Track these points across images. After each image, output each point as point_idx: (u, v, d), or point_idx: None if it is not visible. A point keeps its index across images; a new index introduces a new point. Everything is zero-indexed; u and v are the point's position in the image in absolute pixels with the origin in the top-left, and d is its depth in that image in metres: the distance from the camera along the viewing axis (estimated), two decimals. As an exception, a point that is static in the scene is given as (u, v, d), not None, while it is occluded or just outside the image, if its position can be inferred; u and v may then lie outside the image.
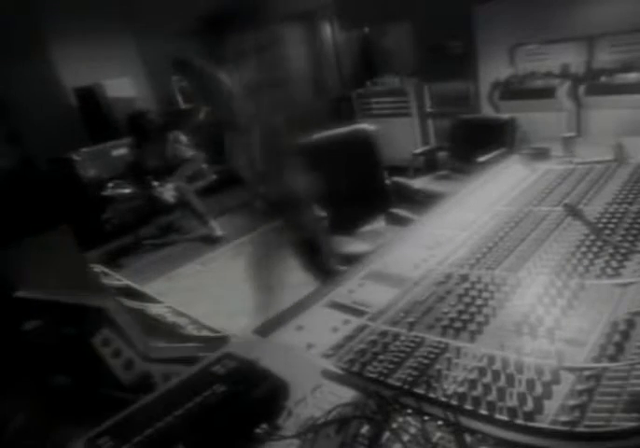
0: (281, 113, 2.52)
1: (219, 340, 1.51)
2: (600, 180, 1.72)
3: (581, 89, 4.37)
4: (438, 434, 0.76)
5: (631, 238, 1.25)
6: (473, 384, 0.84)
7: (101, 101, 5.39)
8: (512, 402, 0.79)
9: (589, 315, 0.98)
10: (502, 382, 0.84)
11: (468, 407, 0.80)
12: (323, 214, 2.62)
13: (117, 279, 2.04)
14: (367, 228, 2.97)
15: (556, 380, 0.82)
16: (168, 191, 4.70)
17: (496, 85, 4.92)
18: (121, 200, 4.80)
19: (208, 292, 3.85)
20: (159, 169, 4.79)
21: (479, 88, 5.18)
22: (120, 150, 5.18)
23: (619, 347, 0.86)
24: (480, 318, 1.04)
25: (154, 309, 1.75)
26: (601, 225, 1.36)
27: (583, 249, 1.25)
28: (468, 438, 0.75)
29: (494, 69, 4.96)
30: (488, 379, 0.85)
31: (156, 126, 4.80)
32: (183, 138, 4.93)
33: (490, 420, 0.77)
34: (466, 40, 5.14)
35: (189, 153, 4.95)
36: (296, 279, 3.59)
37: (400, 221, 2.84)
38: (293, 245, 3.17)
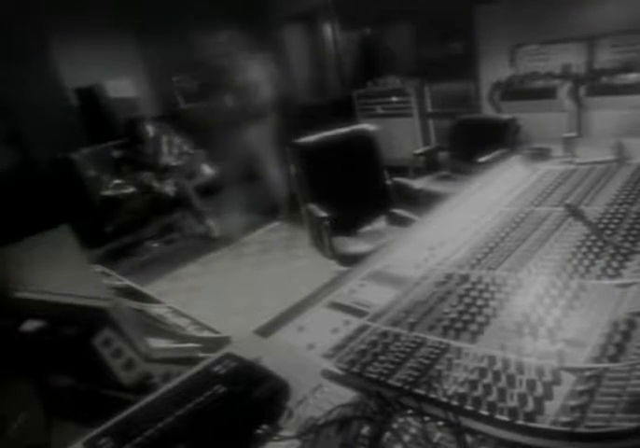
0: None
1: (220, 340, 1.51)
2: (601, 180, 1.72)
3: (582, 89, 4.37)
4: (439, 434, 0.76)
5: (631, 238, 1.25)
6: (474, 384, 0.84)
7: (101, 101, 5.39)
8: (513, 403, 0.79)
9: (589, 315, 0.98)
10: (503, 382, 0.84)
11: (469, 407, 0.80)
12: (324, 214, 2.63)
13: (117, 279, 2.05)
14: (367, 228, 2.98)
15: (557, 380, 0.82)
16: (168, 185, 4.78)
17: (497, 85, 4.92)
18: (122, 199, 4.81)
19: (209, 293, 3.86)
20: (155, 168, 4.86)
21: (479, 88, 5.18)
22: (121, 150, 5.20)
23: (620, 348, 0.86)
24: (480, 319, 1.04)
25: (155, 309, 1.75)
26: (602, 225, 1.36)
27: (584, 250, 1.25)
28: (469, 438, 0.75)
29: (495, 69, 4.96)
30: (489, 379, 0.85)
31: (150, 131, 4.90)
32: (177, 140, 5.00)
33: (490, 420, 0.77)
34: (466, 40, 5.14)
35: (189, 151, 5.01)
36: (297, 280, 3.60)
37: (401, 221, 2.85)
38: None
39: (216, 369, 0.97)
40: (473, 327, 1.02)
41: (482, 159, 3.22)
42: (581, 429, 0.72)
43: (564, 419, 0.74)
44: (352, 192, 2.88)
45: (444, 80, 5.47)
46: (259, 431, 0.83)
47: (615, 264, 1.15)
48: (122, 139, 5.10)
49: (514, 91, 4.79)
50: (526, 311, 1.03)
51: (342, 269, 2.49)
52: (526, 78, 4.75)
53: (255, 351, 1.05)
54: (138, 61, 5.91)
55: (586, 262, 1.18)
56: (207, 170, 5.22)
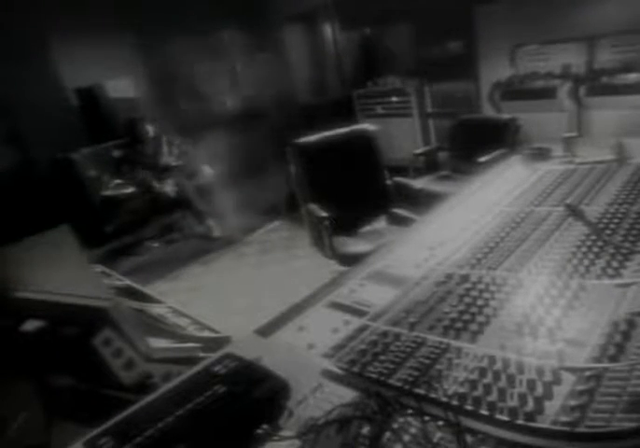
0: None
1: (220, 340, 1.51)
2: (601, 180, 1.72)
3: (582, 89, 4.37)
4: (439, 434, 0.76)
5: (631, 238, 1.25)
6: (474, 384, 0.84)
7: (101, 101, 5.39)
8: (513, 403, 0.79)
9: (589, 315, 0.98)
10: (503, 382, 0.84)
11: (469, 407, 0.80)
12: (324, 213, 2.62)
13: (118, 279, 2.05)
14: (368, 228, 2.98)
15: (557, 380, 0.82)
16: (169, 185, 4.78)
17: (497, 85, 4.92)
18: (122, 199, 4.81)
19: (209, 293, 3.86)
20: (155, 168, 4.86)
21: (480, 88, 5.17)
22: (121, 150, 5.21)
23: (620, 347, 0.86)
24: (480, 319, 1.04)
25: (155, 309, 1.75)
26: (602, 225, 1.36)
27: (584, 249, 1.25)
28: (469, 438, 0.75)
29: (495, 69, 4.96)
30: (489, 379, 0.85)
31: (150, 132, 4.91)
32: (177, 140, 5.01)
33: (490, 420, 0.77)
34: (466, 40, 5.14)
35: (189, 151, 5.01)
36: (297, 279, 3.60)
37: (401, 221, 2.85)
38: None
39: (217, 368, 0.97)
40: (473, 326, 1.02)
41: (482, 159, 3.22)
42: (581, 429, 0.72)
43: (564, 419, 0.74)
44: (352, 192, 2.88)
45: (444, 80, 5.47)
46: (259, 431, 0.83)
47: (615, 264, 1.15)
48: (122, 139, 5.10)
49: (514, 90, 4.79)
50: (526, 311, 1.03)
51: (342, 269, 2.49)
52: (526, 78, 4.75)
53: (255, 351, 1.05)
54: (138, 61, 5.91)
55: (586, 262, 1.18)
56: (207, 170, 5.22)
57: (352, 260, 2.11)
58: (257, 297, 3.51)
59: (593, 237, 1.30)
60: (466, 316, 1.06)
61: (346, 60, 6.73)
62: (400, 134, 5.67)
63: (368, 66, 6.25)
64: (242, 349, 1.06)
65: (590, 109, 4.41)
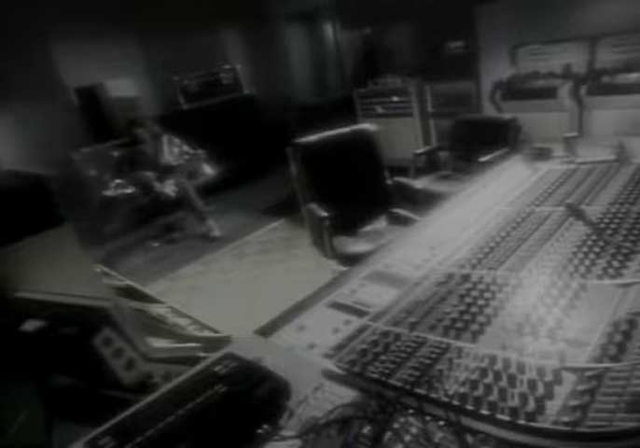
0: None
1: (221, 340, 1.51)
2: (602, 180, 1.72)
3: (583, 89, 4.37)
4: (440, 434, 0.76)
5: (632, 238, 1.25)
6: (475, 384, 0.84)
7: (102, 101, 5.39)
8: (514, 402, 0.79)
9: (590, 315, 0.98)
10: (504, 382, 0.84)
11: (470, 407, 0.80)
12: (325, 213, 2.62)
13: (118, 279, 2.05)
14: (368, 228, 2.97)
15: (558, 380, 0.82)
16: (169, 186, 4.78)
17: (498, 85, 4.91)
18: (123, 199, 4.82)
19: (209, 293, 3.85)
20: (155, 168, 4.86)
21: (480, 88, 5.17)
22: (121, 150, 5.22)
23: (621, 347, 0.86)
24: (481, 318, 1.04)
25: (155, 309, 1.75)
26: (603, 225, 1.36)
27: (585, 249, 1.24)
28: (470, 438, 0.75)
29: (496, 69, 4.95)
30: (489, 379, 0.85)
31: (151, 131, 4.92)
32: (177, 140, 5.02)
33: (491, 420, 0.77)
34: (467, 40, 5.14)
35: (189, 151, 5.02)
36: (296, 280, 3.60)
37: (402, 221, 2.84)
38: None
39: (217, 368, 0.97)
40: (474, 326, 1.02)
41: (483, 158, 3.21)
42: (582, 429, 0.72)
43: (566, 419, 0.74)
44: (352, 192, 2.88)
45: (445, 80, 5.47)
46: (260, 431, 0.83)
47: (616, 264, 1.15)
48: (122, 139, 5.11)
49: (515, 90, 4.79)
50: (527, 311, 1.03)
51: (343, 269, 2.49)
52: (527, 78, 4.75)
53: (255, 351, 1.05)
54: (139, 60, 5.91)
55: (587, 262, 1.18)
56: (207, 170, 5.22)
57: (352, 260, 2.11)
58: (257, 297, 3.51)
59: (594, 237, 1.30)
60: (467, 316, 1.05)
61: (347, 59, 6.74)
62: (401, 134, 5.67)
63: (369, 66, 6.25)
64: (242, 349, 1.06)
65: (591, 109, 4.40)
